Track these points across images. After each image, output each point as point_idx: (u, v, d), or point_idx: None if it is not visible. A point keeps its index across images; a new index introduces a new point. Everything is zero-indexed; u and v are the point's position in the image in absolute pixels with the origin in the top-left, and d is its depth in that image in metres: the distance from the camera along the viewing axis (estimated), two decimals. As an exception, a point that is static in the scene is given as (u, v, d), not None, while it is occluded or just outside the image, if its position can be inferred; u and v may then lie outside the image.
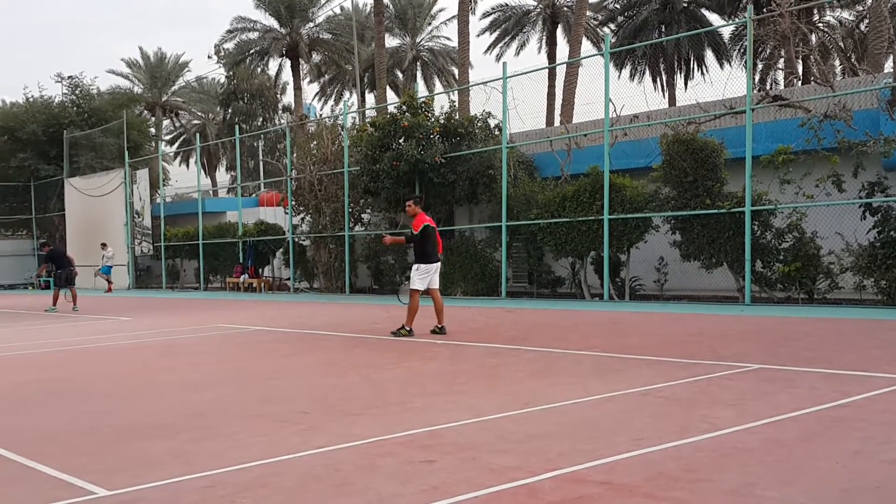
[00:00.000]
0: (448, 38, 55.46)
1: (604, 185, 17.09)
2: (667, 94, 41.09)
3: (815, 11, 36.83)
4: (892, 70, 17.31)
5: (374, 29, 39.83)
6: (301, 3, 49.88)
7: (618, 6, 44.54)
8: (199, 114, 64.94)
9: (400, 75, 54.84)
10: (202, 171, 40.63)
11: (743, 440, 5.09)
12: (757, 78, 37.49)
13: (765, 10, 24.28)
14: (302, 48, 50.50)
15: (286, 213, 25.98)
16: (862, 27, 37.41)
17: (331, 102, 56.57)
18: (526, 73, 20.20)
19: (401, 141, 20.35)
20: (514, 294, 19.78)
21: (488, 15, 47.93)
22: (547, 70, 38.85)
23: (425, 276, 11.60)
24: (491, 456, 4.90)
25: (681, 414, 5.91)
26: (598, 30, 45.14)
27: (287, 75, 53.98)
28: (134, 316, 17.99)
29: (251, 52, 51.19)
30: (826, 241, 14.81)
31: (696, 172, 15.73)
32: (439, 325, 11.71)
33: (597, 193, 17.35)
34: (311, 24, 51.37)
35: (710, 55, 41.88)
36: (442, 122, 20.72)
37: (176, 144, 65.23)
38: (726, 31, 41.31)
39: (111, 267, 31.91)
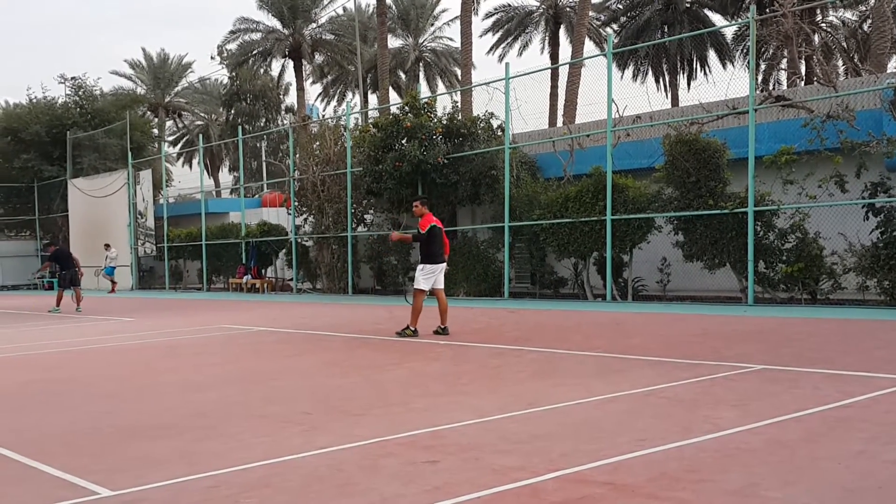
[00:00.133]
0: (451, 39, 55.62)
1: (606, 186, 17.09)
2: (669, 95, 41.09)
3: (818, 12, 36.81)
4: (895, 70, 17.29)
5: (376, 30, 39.87)
6: (304, 3, 49.92)
7: (620, 6, 44.54)
8: (202, 115, 65.02)
9: (403, 76, 54.86)
10: (205, 172, 40.71)
11: (746, 441, 5.08)
12: (760, 78, 37.47)
13: (768, 10, 24.26)
14: (305, 49, 50.53)
15: (289, 214, 26.00)
16: (865, 27, 37.38)
17: (333, 103, 56.69)
18: (528, 73, 20.22)
19: (403, 141, 20.36)
20: (516, 295, 19.78)
21: (491, 15, 47.95)
22: (549, 70, 38.80)
23: (430, 276, 11.61)
24: (494, 456, 4.90)
25: (684, 414, 5.90)
26: (600, 30, 45.12)
27: (290, 76, 54.10)
28: (137, 316, 18.01)
29: (254, 52, 51.22)
30: (829, 242, 14.79)
31: (699, 173, 15.72)
32: (442, 326, 11.71)
33: (599, 194, 17.34)
34: (314, 25, 51.41)
35: (712, 55, 41.87)
36: (444, 122, 20.73)
37: (179, 145, 65.33)
38: (729, 32, 41.32)
39: (114, 268, 31.95)
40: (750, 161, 15.08)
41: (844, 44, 39.48)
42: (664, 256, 17.43)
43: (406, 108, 21.10)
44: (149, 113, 58.75)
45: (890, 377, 7.04)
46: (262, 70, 51.53)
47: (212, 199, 35.41)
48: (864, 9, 37.46)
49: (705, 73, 41.90)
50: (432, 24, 56.29)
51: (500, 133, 20.51)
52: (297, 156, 25.66)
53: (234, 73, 48.54)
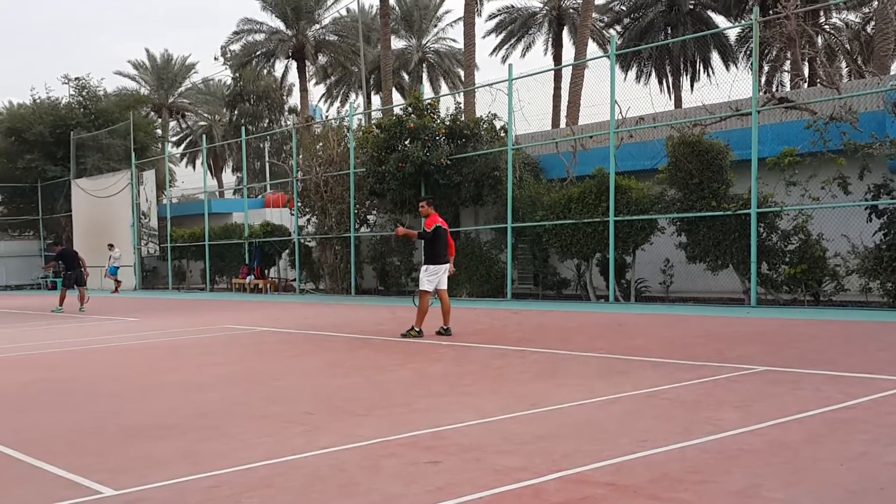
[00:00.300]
0: (454, 40, 55.57)
1: (609, 187, 17.08)
2: (672, 96, 41.10)
3: (822, 13, 36.79)
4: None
5: (379, 31, 39.87)
6: (307, 4, 49.94)
7: (624, 8, 44.52)
8: (206, 115, 65.09)
9: (406, 77, 54.88)
10: (208, 173, 40.75)
11: (748, 442, 5.08)
12: (763, 80, 37.42)
13: (771, 11, 24.27)
14: (308, 50, 50.56)
15: (292, 215, 26.03)
16: (868, 29, 37.33)
17: (337, 104, 56.74)
18: (532, 74, 20.23)
19: (406, 142, 20.37)
20: (519, 295, 19.78)
21: (494, 17, 47.95)
22: (553, 72, 38.81)
23: (434, 276, 11.63)
24: (496, 457, 4.91)
25: (686, 416, 5.90)
26: (603, 32, 45.08)
27: (293, 77, 54.13)
28: (140, 317, 18.03)
29: (257, 53, 51.25)
30: (832, 244, 14.78)
31: (702, 174, 15.72)
32: (445, 327, 11.72)
33: (602, 195, 17.34)
34: (318, 26, 51.44)
35: (715, 57, 41.82)
36: (447, 123, 20.74)
37: (182, 146, 65.38)
38: (732, 33, 41.27)
39: (118, 268, 32.02)
40: (753, 163, 15.08)
41: (848, 46, 39.43)
42: (667, 258, 17.42)
43: (409, 109, 21.12)
44: (152, 113, 58.83)
45: (892, 379, 7.04)
46: (265, 71, 51.59)
47: (215, 200, 35.47)
48: (868, 10, 37.42)
49: (708, 75, 41.89)
50: (435, 26, 56.34)
51: (503, 134, 20.51)
52: (301, 156, 25.69)
53: (237, 74, 48.61)
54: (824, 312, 13.68)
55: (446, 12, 69.15)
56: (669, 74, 42.45)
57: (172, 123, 66.14)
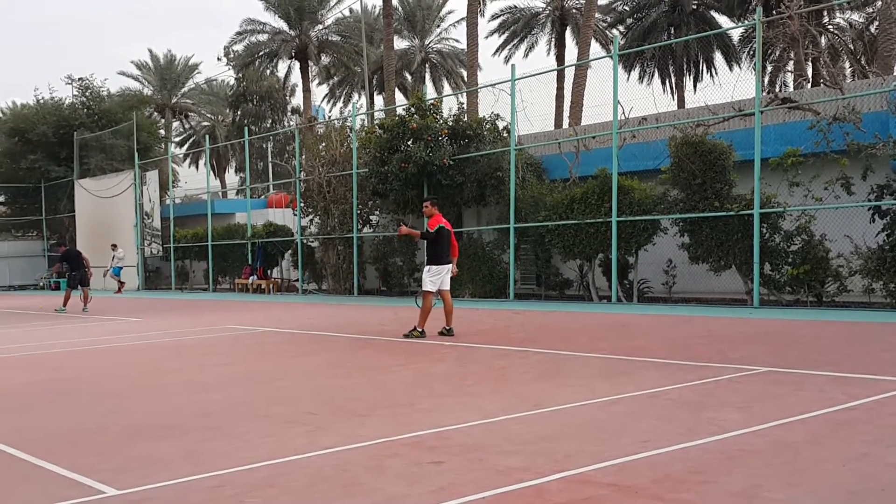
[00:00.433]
0: (457, 41, 55.53)
1: (612, 188, 17.08)
2: (675, 97, 41.06)
3: (825, 14, 36.74)
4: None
5: (382, 31, 39.88)
6: (310, 5, 49.99)
7: (627, 8, 44.51)
8: (209, 115, 65.16)
9: (409, 77, 54.91)
10: (211, 173, 40.75)
11: (750, 442, 5.09)
12: (766, 80, 37.42)
13: (774, 12, 24.25)
14: (311, 50, 50.60)
15: (295, 215, 26.04)
16: (872, 29, 37.30)
17: (339, 104, 56.74)
18: (534, 74, 20.23)
19: (409, 143, 20.37)
20: (521, 296, 19.78)
21: (497, 17, 47.93)
22: (555, 72, 38.81)
23: (437, 277, 11.64)
24: (498, 457, 4.92)
25: (688, 416, 5.91)
26: (606, 32, 45.08)
27: (296, 77, 54.21)
28: (143, 317, 18.06)
29: (260, 54, 51.31)
30: (835, 244, 14.76)
31: (705, 175, 15.71)
32: (447, 327, 11.73)
33: (605, 195, 17.34)
34: (320, 26, 51.48)
35: (719, 57, 41.80)
36: (450, 123, 20.74)
37: (185, 146, 65.45)
38: (735, 34, 41.27)
39: (121, 268, 32.06)
40: (756, 163, 15.06)
41: (851, 46, 39.39)
42: (670, 258, 17.41)
43: (412, 109, 21.12)
44: (155, 114, 58.95)
45: (895, 380, 7.03)
46: (268, 71, 51.66)
47: (218, 200, 35.49)
48: (871, 11, 37.39)
49: (711, 75, 41.87)
50: (438, 26, 56.35)
51: (505, 134, 20.51)
52: (303, 157, 25.70)
53: (240, 75, 48.69)
54: (827, 313, 13.67)
55: (449, 12, 69.32)
56: (672, 75, 42.43)
57: (176, 124, 66.27)
